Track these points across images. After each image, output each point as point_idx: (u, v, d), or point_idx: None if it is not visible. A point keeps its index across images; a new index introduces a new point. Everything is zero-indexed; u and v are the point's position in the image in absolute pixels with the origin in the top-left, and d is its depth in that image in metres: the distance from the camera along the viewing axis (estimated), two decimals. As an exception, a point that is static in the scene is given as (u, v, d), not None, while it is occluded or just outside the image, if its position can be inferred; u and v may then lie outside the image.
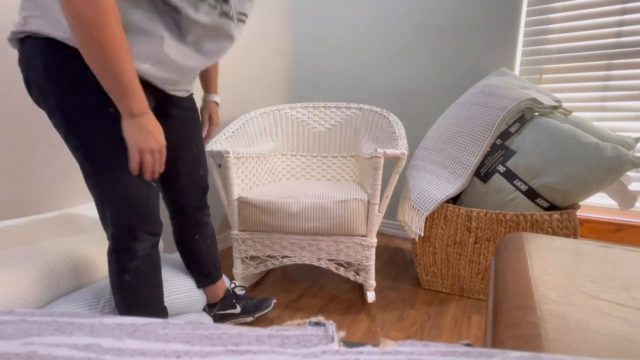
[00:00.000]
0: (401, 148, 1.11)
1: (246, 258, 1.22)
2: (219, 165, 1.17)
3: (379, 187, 1.12)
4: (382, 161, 1.09)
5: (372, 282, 1.18)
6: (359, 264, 1.17)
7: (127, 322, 0.19)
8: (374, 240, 1.15)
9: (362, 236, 1.15)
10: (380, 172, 1.10)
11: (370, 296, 1.19)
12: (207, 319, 1.02)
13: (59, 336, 0.17)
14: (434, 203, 1.18)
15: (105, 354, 0.16)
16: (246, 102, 1.75)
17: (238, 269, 1.22)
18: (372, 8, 1.76)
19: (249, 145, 1.37)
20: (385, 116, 1.41)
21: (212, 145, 1.15)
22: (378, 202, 1.13)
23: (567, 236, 1.09)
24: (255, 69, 1.78)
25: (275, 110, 1.53)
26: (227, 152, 1.12)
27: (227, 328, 0.19)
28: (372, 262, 1.16)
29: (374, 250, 1.16)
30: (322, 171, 1.57)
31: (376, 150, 1.09)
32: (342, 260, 1.18)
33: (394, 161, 1.10)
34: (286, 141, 1.56)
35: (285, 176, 1.55)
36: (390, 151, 1.09)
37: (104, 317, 0.19)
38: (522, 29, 1.47)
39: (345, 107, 1.55)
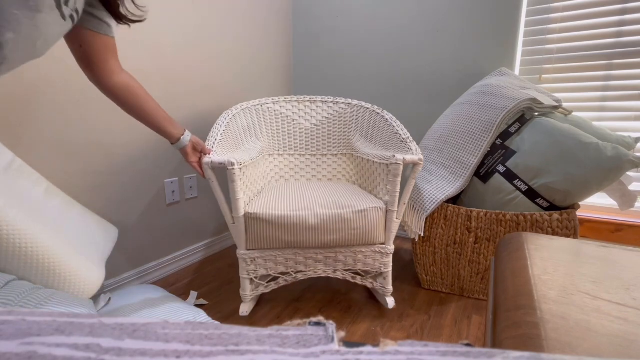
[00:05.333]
0: (417, 153, 1.09)
1: (256, 278, 1.12)
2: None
3: (398, 194, 1.09)
4: (401, 168, 1.05)
5: (389, 288, 1.15)
6: (376, 272, 1.15)
7: (127, 322, 0.19)
8: (392, 247, 1.13)
9: (382, 244, 1.12)
10: (399, 179, 1.07)
11: (390, 302, 1.15)
12: (204, 318, 1.02)
13: (59, 336, 0.17)
14: (434, 203, 1.18)
15: (105, 354, 0.16)
16: (244, 99, 1.75)
17: (246, 290, 1.11)
18: (372, 8, 1.76)
19: (236, 146, 1.26)
20: (378, 113, 1.38)
21: (211, 156, 1.03)
22: (397, 209, 1.10)
23: (567, 236, 1.09)
24: (254, 65, 1.78)
25: (257, 105, 1.42)
26: (232, 164, 0.99)
27: (227, 328, 0.19)
28: (390, 269, 1.14)
29: (391, 257, 1.14)
30: (312, 171, 1.50)
31: (394, 156, 1.05)
32: (359, 269, 1.14)
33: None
34: (272, 139, 1.46)
35: (274, 178, 1.46)
36: (409, 157, 1.06)
37: (103, 317, 0.19)
38: (522, 29, 1.47)
39: (332, 102, 1.48)
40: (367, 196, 1.17)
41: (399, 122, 1.30)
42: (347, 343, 0.18)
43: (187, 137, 0.96)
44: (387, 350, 0.17)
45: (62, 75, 1.03)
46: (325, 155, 1.51)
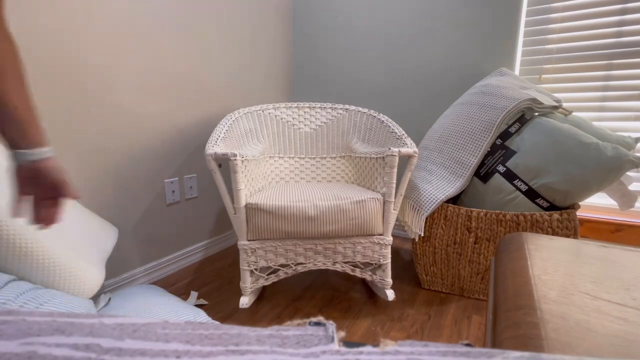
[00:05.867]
0: (412, 147, 1.14)
1: (256, 270, 1.14)
2: (219, 165, 1.16)
3: (394, 185, 1.12)
4: (397, 159, 1.10)
5: (389, 280, 1.17)
6: (375, 264, 1.17)
7: (127, 322, 0.19)
8: (390, 239, 1.15)
9: (380, 235, 1.15)
10: (395, 170, 1.11)
11: (390, 294, 1.17)
12: (204, 318, 1.02)
13: (59, 336, 0.17)
14: (434, 203, 1.18)
15: (105, 354, 0.16)
16: (244, 99, 1.75)
17: (247, 282, 1.12)
18: (371, 8, 1.76)
19: (238, 146, 1.30)
20: (374, 116, 1.41)
21: (214, 148, 1.08)
22: (393, 200, 1.13)
23: (567, 236, 1.09)
24: (254, 66, 1.78)
25: (259, 110, 1.48)
26: (234, 155, 1.04)
27: (227, 328, 0.19)
28: (389, 260, 1.16)
29: (390, 248, 1.16)
30: (311, 173, 1.53)
31: (390, 149, 1.10)
32: (358, 261, 1.16)
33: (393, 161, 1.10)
34: (272, 143, 1.51)
35: (274, 179, 1.50)
36: (405, 150, 1.11)
37: (103, 317, 0.19)
38: (522, 29, 1.47)
39: (330, 108, 1.54)
40: (365, 190, 1.20)
41: (394, 123, 1.33)
42: (347, 343, 0.18)
43: (33, 155, 0.52)
44: (387, 350, 0.17)
45: (61, 74, 1.03)
46: (325, 158, 1.54)
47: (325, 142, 1.54)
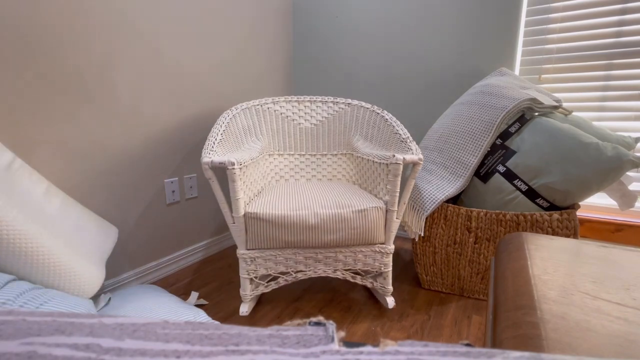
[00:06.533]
0: (417, 153, 1.10)
1: (255, 277, 1.13)
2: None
3: (398, 194, 1.09)
4: (401, 167, 1.06)
5: (389, 288, 1.16)
6: (376, 271, 1.15)
7: (127, 322, 0.19)
8: (392, 247, 1.13)
9: (382, 244, 1.13)
10: (399, 178, 1.07)
11: (390, 302, 1.16)
12: (204, 318, 1.02)
13: (59, 336, 0.17)
14: (434, 203, 1.18)
15: (105, 354, 0.16)
16: (244, 99, 1.75)
17: (246, 290, 1.12)
18: (372, 8, 1.76)
19: (236, 146, 1.26)
20: (378, 113, 1.38)
21: (210, 155, 1.02)
22: (396, 208, 1.10)
23: (567, 236, 1.09)
24: (254, 65, 1.78)
25: (257, 105, 1.43)
26: (232, 164, 0.99)
27: (227, 328, 0.19)
28: (390, 268, 1.14)
29: (391, 257, 1.14)
30: (312, 170, 1.50)
31: (394, 156, 1.06)
32: (359, 269, 1.14)
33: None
34: (272, 139, 1.46)
35: (274, 178, 1.47)
36: (409, 157, 1.06)
37: (103, 317, 0.19)
38: (522, 29, 1.47)
39: (332, 102, 1.48)
40: (367, 196, 1.18)
41: (398, 122, 1.30)
42: (347, 343, 0.18)
43: None
44: (387, 350, 0.17)
45: (61, 74, 1.03)
46: (325, 155, 1.51)
47: (326, 139, 1.50)
